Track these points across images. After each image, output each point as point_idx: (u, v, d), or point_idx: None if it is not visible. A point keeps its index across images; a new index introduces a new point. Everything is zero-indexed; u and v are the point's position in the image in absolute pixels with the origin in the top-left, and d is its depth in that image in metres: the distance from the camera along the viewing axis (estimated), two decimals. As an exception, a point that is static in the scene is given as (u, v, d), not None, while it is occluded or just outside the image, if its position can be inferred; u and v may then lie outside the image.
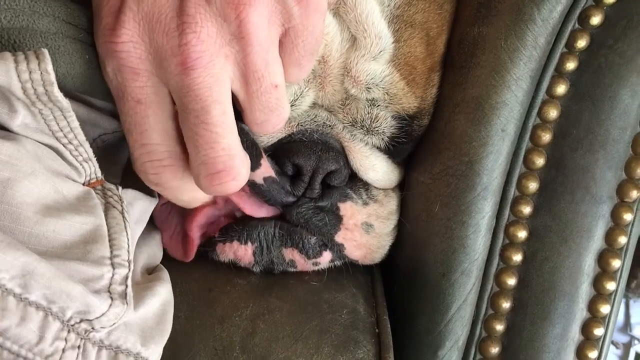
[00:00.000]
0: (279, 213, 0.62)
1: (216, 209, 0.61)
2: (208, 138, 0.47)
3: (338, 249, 0.62)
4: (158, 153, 0.49)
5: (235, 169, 0.48)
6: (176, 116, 0.49)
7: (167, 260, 0.60)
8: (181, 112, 0.48)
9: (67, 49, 0.47)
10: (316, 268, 0.63)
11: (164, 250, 0.62)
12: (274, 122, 0.51)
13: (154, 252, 0.58)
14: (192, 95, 0.46)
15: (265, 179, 0.58)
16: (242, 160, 0.49)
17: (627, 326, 1.16)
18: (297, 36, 0.49)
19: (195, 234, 0.61)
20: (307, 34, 0.49)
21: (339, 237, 0.62)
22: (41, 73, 0.43)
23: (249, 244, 0.60)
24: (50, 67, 0.43)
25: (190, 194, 0.53)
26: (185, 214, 0.61)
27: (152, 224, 0.61)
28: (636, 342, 1.14)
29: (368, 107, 0.59)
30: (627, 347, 1.15)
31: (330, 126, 0.60)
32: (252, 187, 0.58)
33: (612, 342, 1.14)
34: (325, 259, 0.63)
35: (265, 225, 0.60)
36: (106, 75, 0.48)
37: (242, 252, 0.61)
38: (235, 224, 0.61)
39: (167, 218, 0.62)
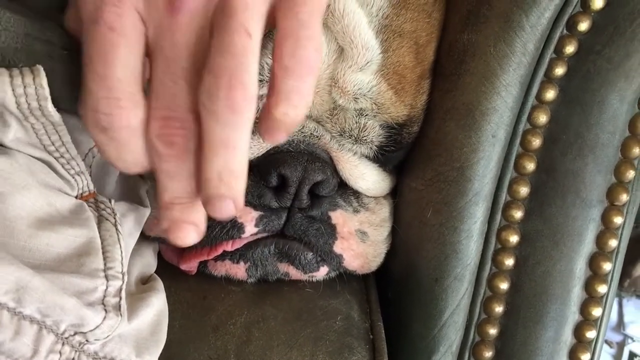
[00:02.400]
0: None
1: None
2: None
3: (337, 261, 0.62)
4: (117, 90, 0.43)
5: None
6: (143, 65, 0.46)
7: (162, 268, 0.60)
8: (155, 56, 0.45)
9: (61, 71, 0.47)
10: (311, 279, 0.63)
11: (159, 256, 0.62)
12: (229, 72, 0.44)
13: (148, 262, 0.58)
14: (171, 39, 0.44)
15: (256, 224, 0.59)
16: None
17: (620, 325, 1.16)
18: None
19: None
20: None
21: (337, 248, 0.62)
22: (36, 88, 0.43)
23: (242, 263, 0.60)
24: (44, 82, 0.43)
25: (134, 155, 0.46)
26: None
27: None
28: (630, 340, 1.15)
29: (356, 116, 0.59)
30: (620, 346, 1.15)
31: (317, 137, 0.61)
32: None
33: (606, 341, 1.14)
34: (322, 273, 0.63)
35: (259, 245, 0.60)
36: (82, 1, 0.45)
37: (234, 270, 0.61)
38: None
39: None
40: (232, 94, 0.42)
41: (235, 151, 0.44)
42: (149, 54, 0.45)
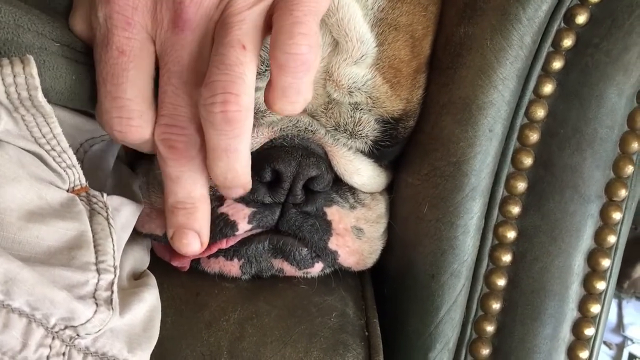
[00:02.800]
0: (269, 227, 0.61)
1: None
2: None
3: (332, 257, 0.62)
4: (129, 110, 0.48)
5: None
6: (154, 79, 0.49)
7: (154, 264, 0.59)
8: (161, 68, 0.49)
9: (52, 64, 0.47)
10: (305, 276, 0.63)
11: (151, 252, 0.61)
12: (223, 85, 0.46)
13: (140, 257, 0.58)
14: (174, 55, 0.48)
15: (249, 220, 0.58)
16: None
17: (619, 327, 1.16)
18: None
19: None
20: None
21: (332, 244, 0.61)
22: (26, 77, 0.43)
23: (235, 260, 0.60)
24: (35, 71, 0.43)
25: (150, 147, 0.51)
26: None
27: (139, 229, 0.60)
28: (629, 342, 1.14)
29: (351, 111, 0.58)
30: (620, 347, 1.15)
31: (312, 131, 0.60)
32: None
33: (605, 343, 1.14)
34: (317, 269, 0.62)
35: (254, 241, 0.60)
36: (95, 21, 0.48)
37: (228, 267, 0.60)
38: None
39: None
40: (226, 107, 0.45)
41: (237, 154, 0.47)
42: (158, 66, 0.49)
